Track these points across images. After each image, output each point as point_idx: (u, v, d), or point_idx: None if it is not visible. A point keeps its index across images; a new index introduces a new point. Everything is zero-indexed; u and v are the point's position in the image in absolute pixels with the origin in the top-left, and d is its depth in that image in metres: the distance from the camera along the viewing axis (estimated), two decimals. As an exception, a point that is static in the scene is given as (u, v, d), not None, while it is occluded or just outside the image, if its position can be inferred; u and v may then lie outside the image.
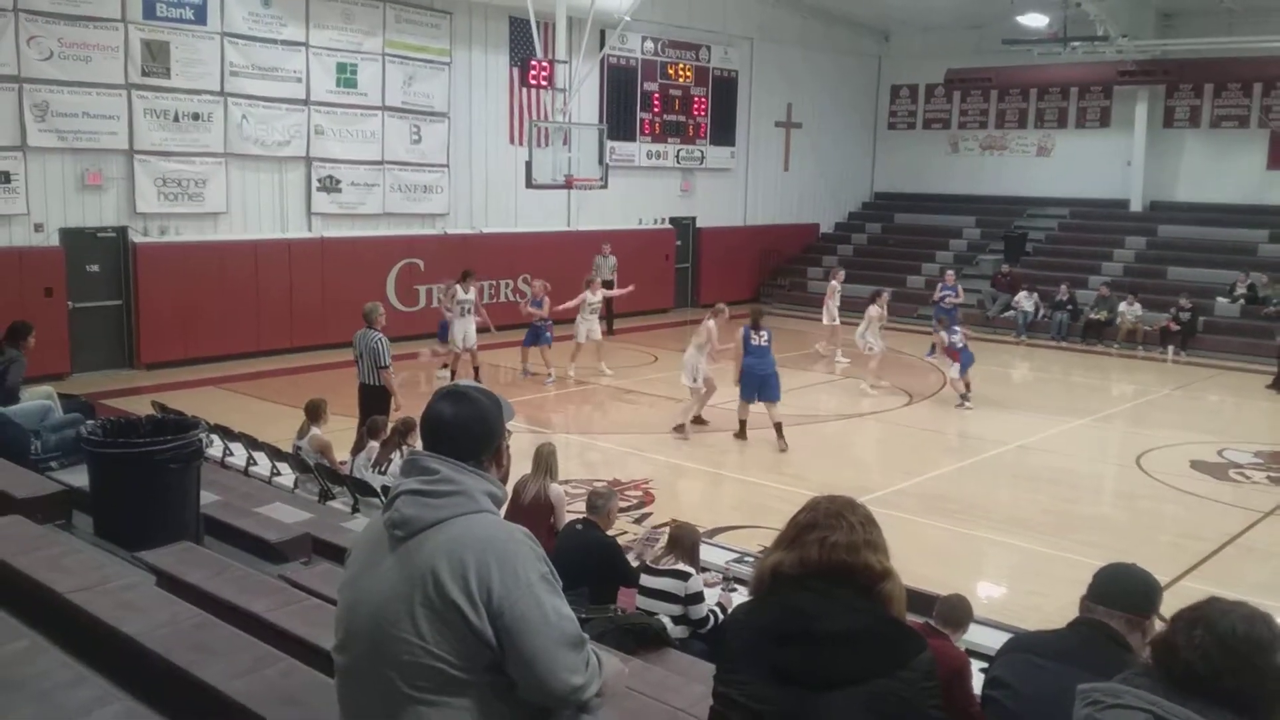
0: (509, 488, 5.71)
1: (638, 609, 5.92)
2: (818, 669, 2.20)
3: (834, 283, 18.30)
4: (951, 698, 3.98)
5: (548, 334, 15.67)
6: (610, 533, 6.65)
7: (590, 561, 6.01)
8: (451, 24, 18.71)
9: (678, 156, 23.29)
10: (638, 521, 9.36)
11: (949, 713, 2.38)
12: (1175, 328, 19.48)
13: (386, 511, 2.45)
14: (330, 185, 17.44)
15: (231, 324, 16.04)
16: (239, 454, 9.51)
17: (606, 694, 2.52)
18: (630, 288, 17.53)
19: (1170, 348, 19.38)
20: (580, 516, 6.61)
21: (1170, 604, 3.20)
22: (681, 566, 5.91)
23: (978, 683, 4.19)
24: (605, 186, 18.06)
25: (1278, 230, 21.68)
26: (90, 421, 6.32)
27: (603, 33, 19.50)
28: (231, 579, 4.40)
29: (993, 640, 5.25)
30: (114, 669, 3.51)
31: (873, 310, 16.18)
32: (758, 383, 12.45)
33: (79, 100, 14.49)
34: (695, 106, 23.41)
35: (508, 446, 2.64)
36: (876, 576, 2.33)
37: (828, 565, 2.31)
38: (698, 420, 13.31)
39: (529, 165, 16.38)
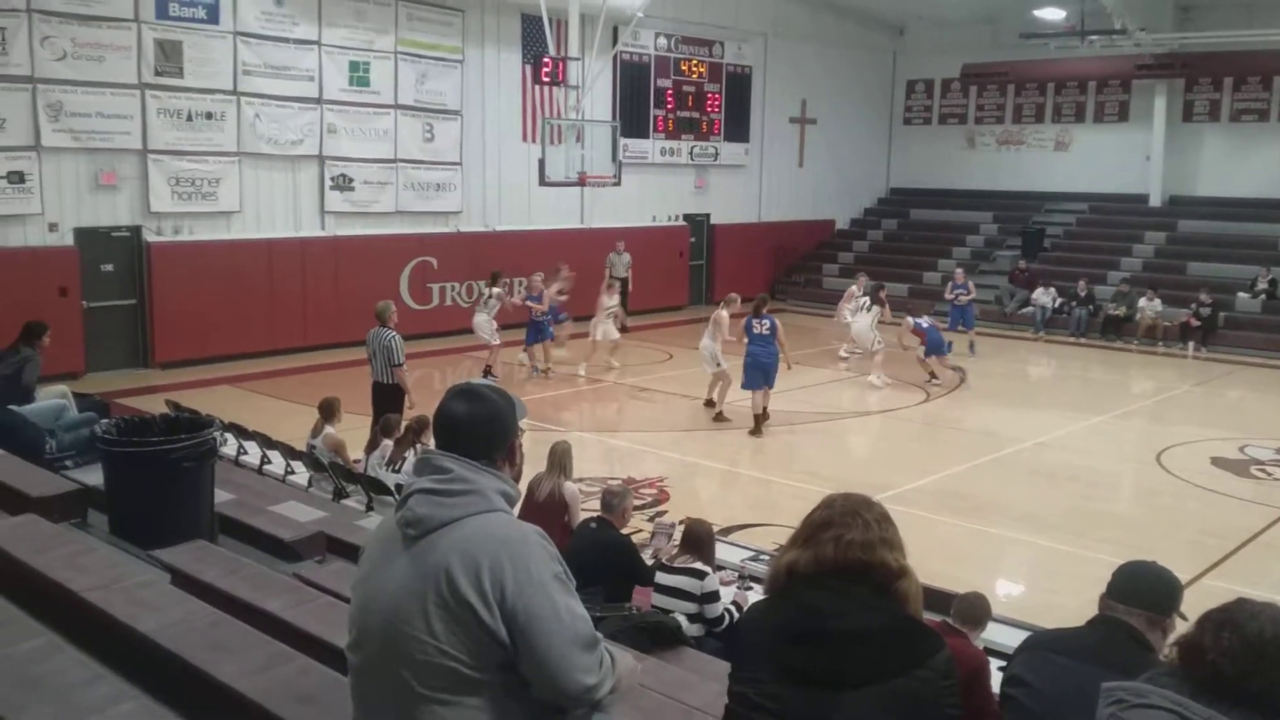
0: (522, 486, 5.70)
1: (653, 607, 5.90)
2: (834, 668, 2.18)
3: (854, 288, 18.14)
4: (970, 697, 3.96)
5: (549, 329, 15.76)
6: (625, 531, 6.64)
7: (605, 560, 5.99)
8: (464, 22, 18.72)
9: (691, 153, 23.25)
10: (652, 520, 9.34)
11: (967, 712, 2.35)
12: (1195, 323, 19.33)
13: (400, 510, 2.44)
14: (343, 184, 17.47)
15: (245, 323, 16.09)
16: (253, 452, 9.54)
17: (620, 692, 2.51)
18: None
19: (1190, 343, 19.23)
20: (595, 515, 6.59)
21: (1191, 602, 3.18)
22: (697, 565, 5.89)
23: (996, 681, 4.16)
24: (619, 184, 18.04)
25: (1299, 224, 21.52)
26: (105, 420, 6.34)
27: (615, 29, 19.49)
28: (246, 577, 4.41)
29: (1011, 639, 5.21)
30: (129, 667, 3.52)
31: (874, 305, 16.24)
32: (761, 370, 12.69)
33: (92, 100, 14.55)
34: (709, 103, 23.37)
35: (520, 445, 2.62)
36: (893, 575, 2.31)
37: (843, 563, 2.29)
38: (720, 418, 13.41)
39: (542, 163, 16.38)
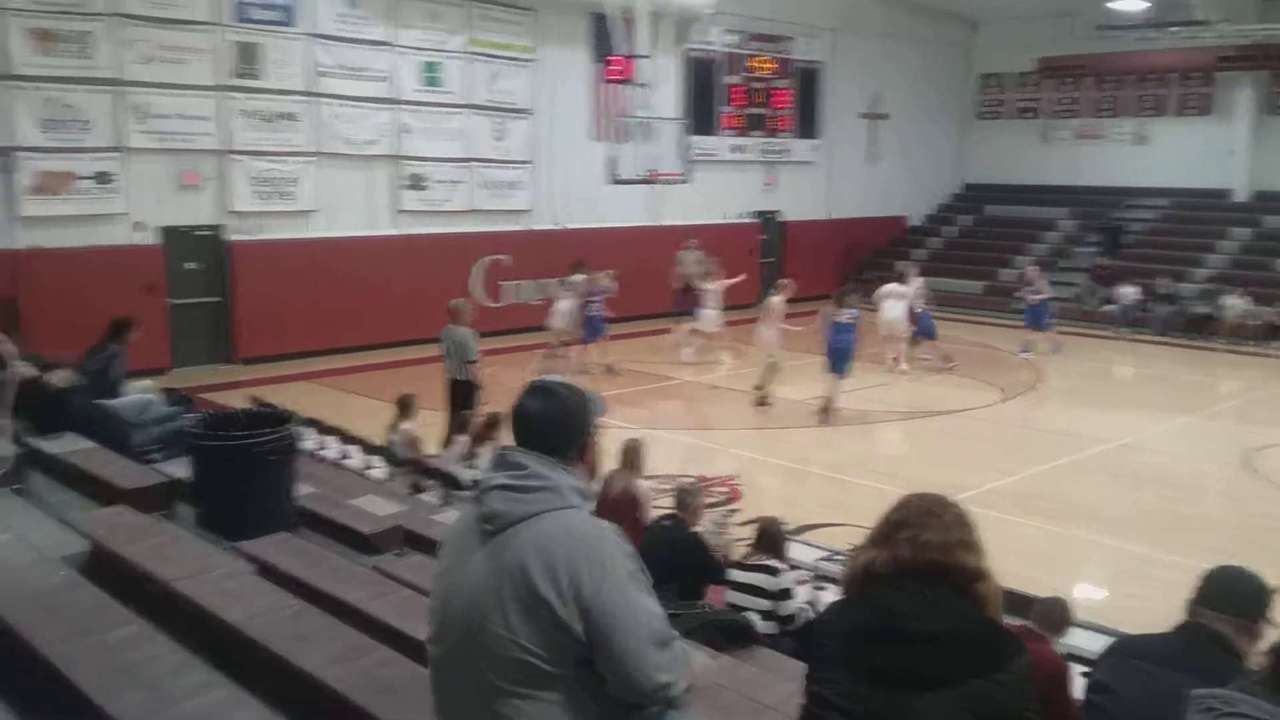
0: (596, 483, 5.72)
1: (727, 604, 5.89)
2: (911, 669, 2.17)
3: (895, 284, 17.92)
4: (1049, 702, 3.89)
5: (605, 326, 15.90)
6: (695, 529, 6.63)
7: (677, 557, 5.99)
8: (535, 21, 18.83)
9: (761, 150, 23.12)
10: (724, 518, 9.31)
11: (1047, 717, 2.32)
12: (1282, 321, 18.76)
13: (477, 505, 2.47)
14: (417, 183, 17.69)
15: (323, 320, 16.37)
16: (332, 447, 9.68)
17: (695, 690, 2.52)
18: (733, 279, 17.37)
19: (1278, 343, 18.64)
20: (667, 512, 6.59)
21: (1282, 610, 3.09)
22: (771, 562, 5.87)
23: (1076, 687, 4.09)
24: (688, 181, 18.02)
25: (1392, 219, 20.75)
26: (191, 415, 6.49)
27: (686, 26, 19.43)
28: (327, 569, 4.49)
29: (1091, 643, 5.11)
30: (216, 655, 3.60)
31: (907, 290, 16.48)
32: (836, 356, 13.15)
33: (175, 102, 14.91)
34: (778, 99, 23.21)
35: (597, 442, 2.63)
36: (971, 577, 2.29)
37: (920, 564, 2.28)
38: (763, 403, 13.75)
39: (612, 161, 16.41)
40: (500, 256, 18.58)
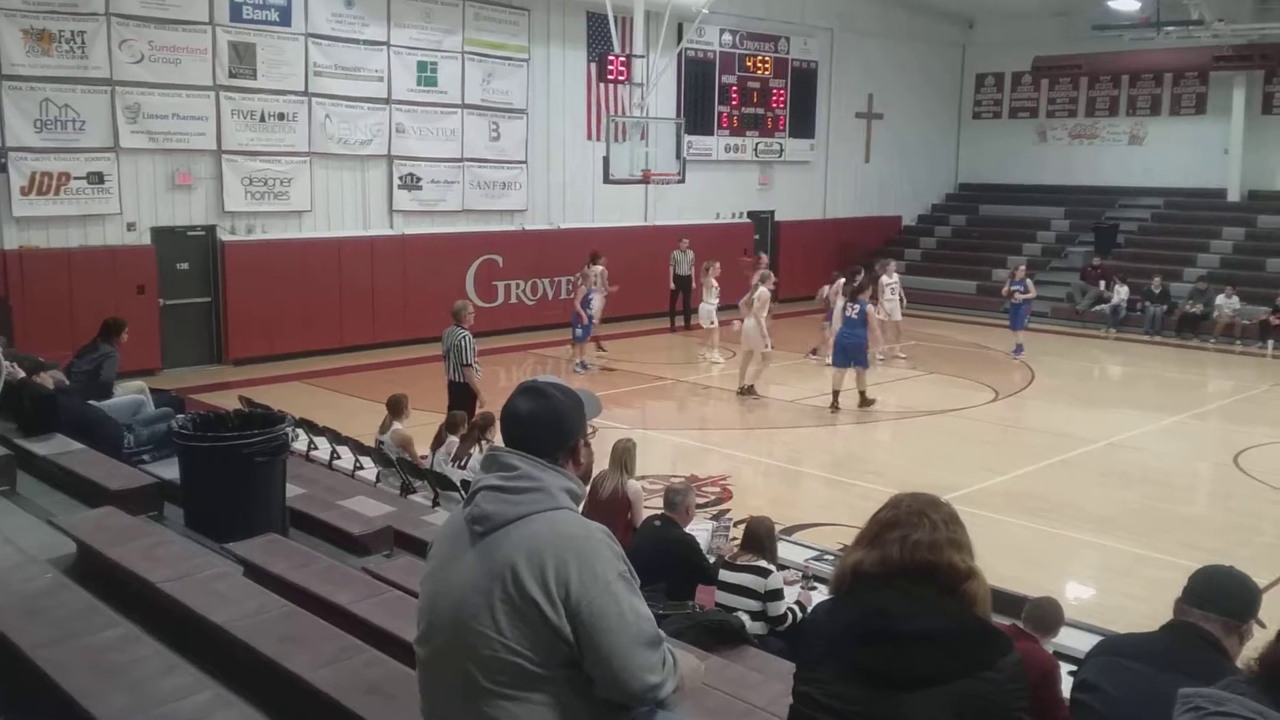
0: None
1: (716, 605, 5.89)
2: (900, 669, 2.16)
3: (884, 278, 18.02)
4: (1039, 701, 3.89)
5: (581, 328, 16.03)
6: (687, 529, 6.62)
7: (668, 558, 5.99)
8: (530, 21, 18.82)
9: (756, 150, 23.12)
10: (715, 518, 9.32)
11: (1036, 716, 2.31)
12: (1275, 322, 18.77)
13: (467, 507, 2.47)
14: (411, 183, 17.68)
15: (315, 320, 16.35)
16: (323, 448, 9.67)
17: (683, 691, 2.52)
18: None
19: (1270, 342, 18.66)
20: (658, 513, 6.59)
21: (1269, 608, 3.10)
22: (761, 563, 5.87)
23: (1065, 686, 4.09)
24: (683, 181, 18.03)
25: (1385, 219, 20.79)
26: (181, 416, 6.47)
27: (680, 26, 19.44)
28: (316, 571, 4.48)
29: (1081, 643, 5.12)
30: (204, 657, 3.60)
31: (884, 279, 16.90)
32: (842, 350, 13.59)
33: (169, 102, 14.89)
34: (774, 99, 23.22)
35: (588, 444, 2.63)
36: (960, 576, 2.28)
37: (910, 564, 2.27)
38: (749, 391, 14.08)
39: (606, 161, 16.43)
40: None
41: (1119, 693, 2.88)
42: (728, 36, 22.10)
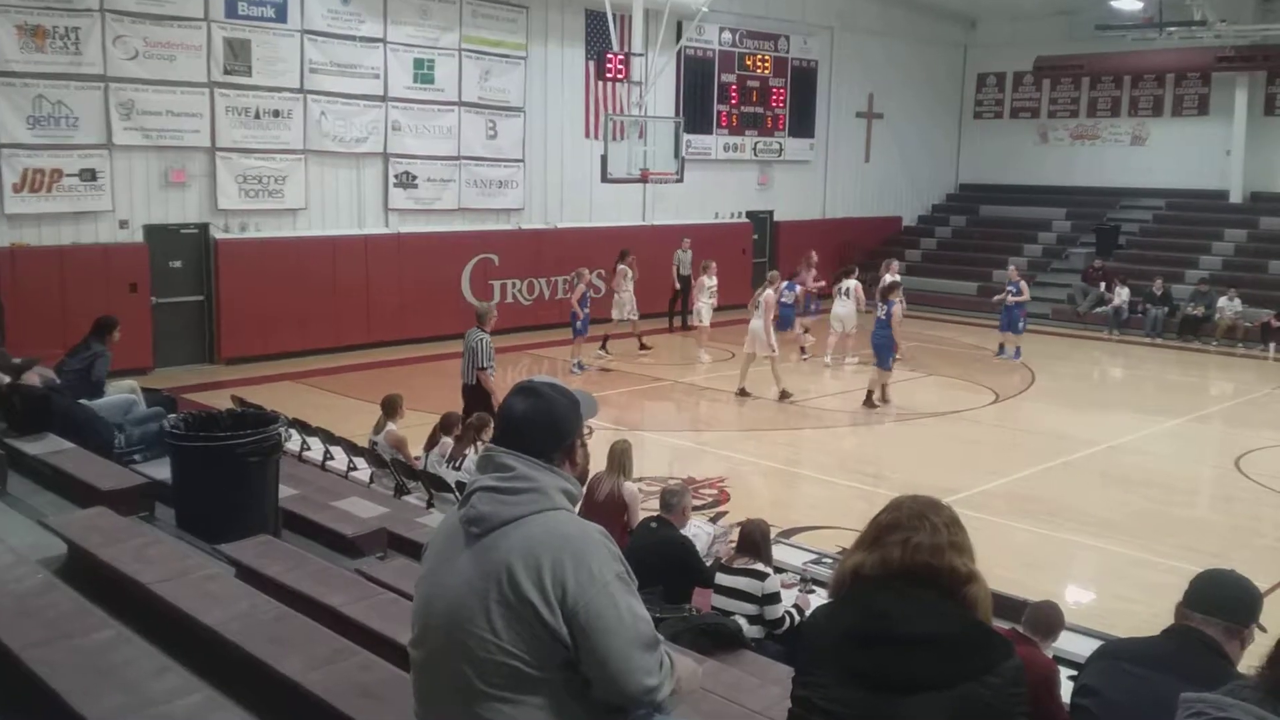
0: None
1: (713, 608, 5.85)
2: (900, 672, 2.15)
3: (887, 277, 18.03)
4: (1039, 705, 3.86)
5: (579, 326, 16.06)
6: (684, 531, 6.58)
7: (664, 561, 5.95)
8: (528, 18, 18.80)
9: (755, 149, 23.11)
10: (712, 520, 9.28)
11: (1037, 721, 2.29)
12: (1277, 324, 18.76)
13: (462, 508, 2.46)
14: (407, 181, 17.65)
15: (309, 319, 16.29)
16: (316, 448, 9.64)
17: (680, 694, 2.52)
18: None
19: (1271, 345, 18.64)
20: (654, 515, 6.55)
21: (1271, 612, 3.07)
22: (758, 566, 5.83)
23: (1065, 691, 4.06)
24: (681, 180, 18.00)
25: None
26: (173, 415, 6.43)
27: (680, 24, 19.43)
28: (309, 572, 4.45)
29: (1081, 647, 5.09)
30: (195, 659, 3.57)
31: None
32: (875, 350, 13.92)
33: (163, 99, 14.85)
34: (773, 98, 23.20)
35: (584, 444, 2.61)
36: (961, 580, 2.26)
37: (910, 567, 2.25)
38: (743, 393, 14.15)
39: (604, 159, 16.41)
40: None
41: (1120, 697, 2.88)
42: (727, 35, 22.08)
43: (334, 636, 3.65)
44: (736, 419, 13.83)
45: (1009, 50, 25.82)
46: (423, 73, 17.55)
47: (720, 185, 22.35)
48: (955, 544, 2.28)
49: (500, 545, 2.32)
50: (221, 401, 10.10)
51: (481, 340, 10.55)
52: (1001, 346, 17.77)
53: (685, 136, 18.51)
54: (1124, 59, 23.59)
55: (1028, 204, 25.49)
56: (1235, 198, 23.11)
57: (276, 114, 15.99)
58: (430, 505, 7.79)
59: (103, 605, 3.90)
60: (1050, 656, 4.85)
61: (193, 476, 5.47)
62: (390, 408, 9.25)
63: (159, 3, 14.65)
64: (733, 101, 22.41)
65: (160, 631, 3.79)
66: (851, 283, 16.81)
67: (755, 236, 23.31)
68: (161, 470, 6.02)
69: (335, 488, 7.68)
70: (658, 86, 18.85)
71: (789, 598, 6.06)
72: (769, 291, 14.28)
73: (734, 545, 6.29)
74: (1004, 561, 7.82)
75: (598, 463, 7.32)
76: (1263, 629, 2.92)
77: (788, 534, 8.67)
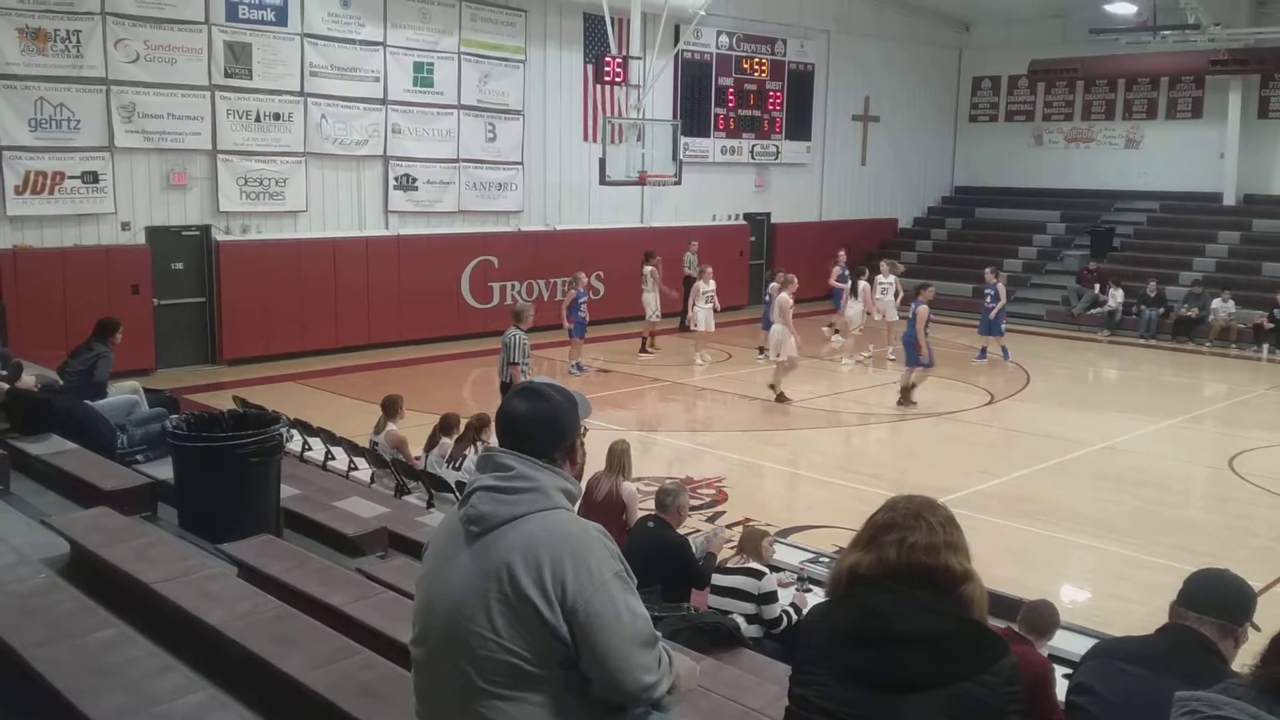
0: (582, 485, 5.71)
1: (710, 608, 5.88)
2: (897, 671, 2.17)
3: (879, 278, 18.05)
4: (1034, 704, 3.89)
5: (577, 329, 16.07)
6: (681, 530, 6.61)
7: (662, 559, 5.98)
8: (526, 22, 18.81)
9: (752, 152, 23.13)
10: (710, 520, 9.31)
11: (1031, 719, 2.31)
12: (1270, 325, 18.81)
13: (463, 507, 2.47)
14: (407, 183, 17.66)
15: (310, 320, 16.32)
16: (317, 449, 9.65)
17: (678, 692, 2.52)
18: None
19: (1265, 346, 18.69)
20: (651, 514, 6.57)
21: (1264, 611, 3.10)
22: (754, 565, 5.86)
23: (1061, 690, 4.09)
24: (679, 183, 18.02)
25: (1380, 223, 20.83)
26: (175, 416, 6.45)
27: (677, 28, 19.45)
28: (311, 571, 4.46)
29: (1076, 645, 5.12)
30: (198, 658, 3.58)
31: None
32: (908, 351, 14.10)
33: (164, 102, 14.86)
34: (770, 101, 23.23)
35: (582, 444, 2.63)
36: (957, 579, 2.28)
37: (906, 567, 2.27)
38: (781, 398, 13.93)
39: (603, 162, 16.43)
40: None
41: (1114, 696, 2.88)
42: (724, 38, 22.11)
43: (335, 635, 3.65)
44: (735, 419, 13.85)
45: (1004, 53, 25.85)
46: (422, 76, 17.56)
47: (718, 187, 22.37)
48: (951, 543, 2.30)
49: (500, 544, 2.34)
50: (223, 402, 10.12)
51: (515, 336, 10.80)
52: (983, 350, 17.78)
53: (683, 139, 18.54)
54: (1118, 62, 23.63)
55: (1023, 206, 25.53)
56: (1229, 200, 23.15)
57: (277, 117, 16.01)
58: (430, 505, 7.81)
59: (105, 605, 3.90)
60: (1045, 655, 4.89)
61: (195, 477, 5.48)
62: (390, 408, 9.27)
63: (160, 6, 14.66)
64: (730, 104, 22.43)
65: (162, 631, 3.81)
66: (862, 284, 16.85)
67: (753, 239, 23.33)
68: (164, 470, 6.03)
69: (336, 488, 7.68)
70: (655, 90, 18.87)
71: (786, 597, 6.09)
72: (783, 295, 14.11)
73: (730, 543, 6.32)
74: (999, 561, 7.86)
75: (597, 463, 7.36)
76: (1256, 628, 2.94)
77: (785, 533, 8.69)
